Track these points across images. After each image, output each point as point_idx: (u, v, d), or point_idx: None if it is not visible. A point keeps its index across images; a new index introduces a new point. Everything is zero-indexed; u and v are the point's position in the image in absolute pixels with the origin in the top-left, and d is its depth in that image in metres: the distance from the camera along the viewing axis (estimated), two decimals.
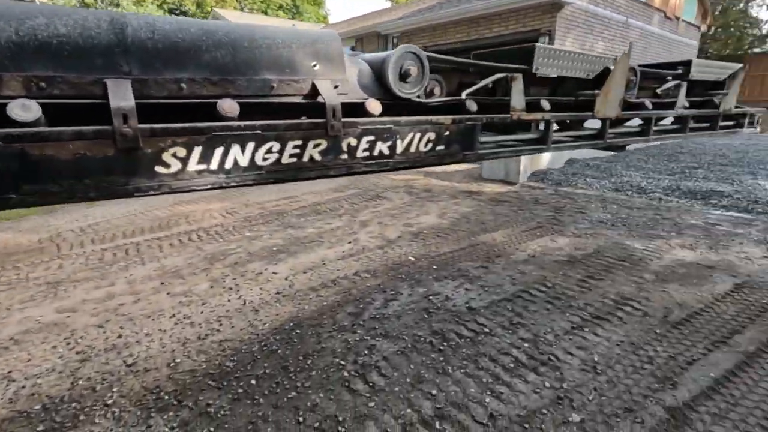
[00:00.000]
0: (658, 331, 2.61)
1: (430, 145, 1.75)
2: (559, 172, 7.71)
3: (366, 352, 2.49)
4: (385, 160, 1.64)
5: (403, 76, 1.67)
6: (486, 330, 2.68)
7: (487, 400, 2.09)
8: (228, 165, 1.30)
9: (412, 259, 3.84)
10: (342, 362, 2.40)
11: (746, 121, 3.57)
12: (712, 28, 25.13)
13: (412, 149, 1.71)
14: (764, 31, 31.74)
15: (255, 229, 4.79)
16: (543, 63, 2.09)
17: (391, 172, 1.74)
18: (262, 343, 2.60)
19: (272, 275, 3.58)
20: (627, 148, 3.25)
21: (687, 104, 3.03)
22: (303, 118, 1.53)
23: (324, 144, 1.46)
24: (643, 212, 5.07)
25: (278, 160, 1.39)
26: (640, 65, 3.12)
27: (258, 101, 1.40)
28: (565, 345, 2.50)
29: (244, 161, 1.32)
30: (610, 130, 2.68)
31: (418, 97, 1.78)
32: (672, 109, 2.89)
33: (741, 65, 3.32)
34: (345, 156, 1.53)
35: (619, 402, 2.04)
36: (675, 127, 3.06)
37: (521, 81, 1.98)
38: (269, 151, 1.36)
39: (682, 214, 4.97)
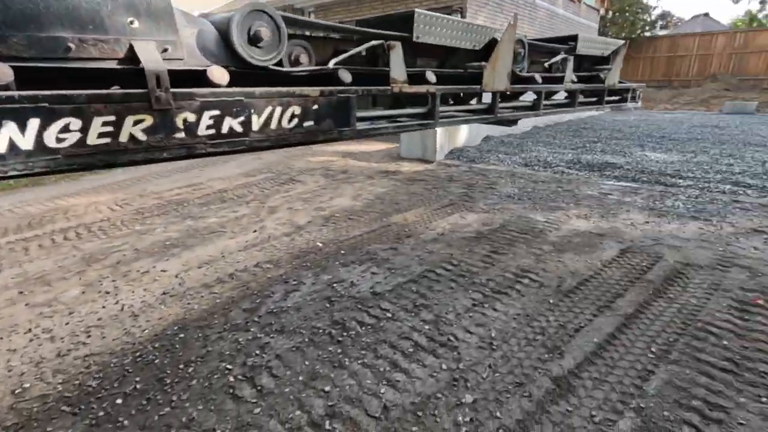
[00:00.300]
0: (551, 301, 2.69)
1: (296, 120, 1.54)
2: (475, 149, 7.90)
3: (257, 352, 2.28)
4: (238, 139, 1.41)
5: (254, 40, 1.43)
6: (389, 315, 2.59)
7: (383, 390, 1.99)
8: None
9: (320, 245, 3.65)
10: (229, 366, 2.17)
11: (629, 95, 3.79)
12: (610, 12, 27.27)
13: (273, 125, 1.49)
14: (653, 17, 35.10)
15: (148, 223, 4.29)
16: (424, 31, 1.96)
17: (249, 152, 1.51)
18: (137, 354, 2.28)
19: (160, 273, 3.19)
20: (534, 124, 3.28)
21: (575, 79, 3.11)
22: (116, 87, 1.25)
23: (149, 120, 1.19)
24: (547, 185, 5.32)
25: (82, 140, 1.10)
26: (533, 39, 3.14)
27: (49, 65, 1.10)
28: (465, 323, 2.48)
29: (25, 143, 1.02)
30: (502, 105, 2.66)
31: (278, 65, 1.56)
32: (561, 83, 2.94)
33: (623, 41, 3.49)
34: (182, 135, 1.27)
35: (511, 377, 2.05)
36: (565, 101, 3.14)
37: (400, 49, 1.82)
38: (66, 129, 1.07)
39: (581, 185, 5.29)
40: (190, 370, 2.15)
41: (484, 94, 2.40)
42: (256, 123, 1.44)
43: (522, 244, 3.55)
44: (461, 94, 2.55)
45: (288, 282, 3.03)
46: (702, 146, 8.44)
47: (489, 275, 3.05)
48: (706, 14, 35.21)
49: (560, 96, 3.19)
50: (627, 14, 26.48)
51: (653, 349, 2.20)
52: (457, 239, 3.68)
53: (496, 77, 2.31)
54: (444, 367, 2.13)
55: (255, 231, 3.98)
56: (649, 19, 32.54)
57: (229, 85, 1.38)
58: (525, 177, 5.79)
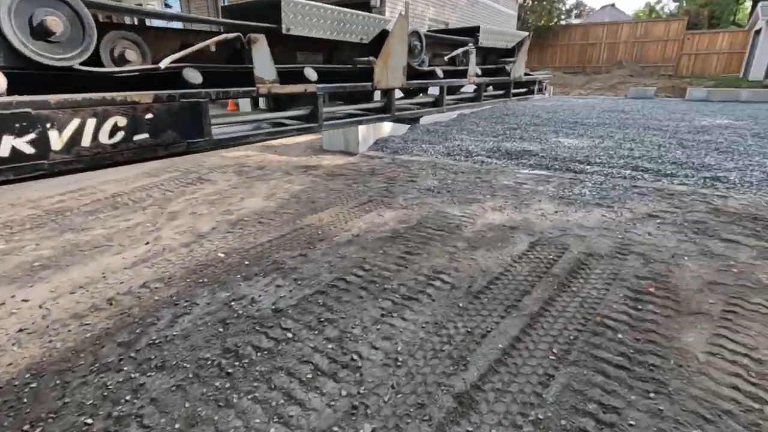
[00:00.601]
0: (461, 304, 2.62)
1: (121, 134, 1.23)
2: (400, 139, 7.80)
3: (129, 397, 1.95)
4: (30, 163, 1.08)
5: (40, 33, 1.10)
6: (289, 335, 2.36)
7: (272, 430, 1.77)
8: None
9: (222, 255, 3.31)
10: (89, 420, 1.83)
11: (536, 87, 3.82)
12: (529, 1, 28.47)
13: (86, 142, 1.17)
14: (568, 6, 37.20)
15: (15, 239, 3.65)
16: (295, 21, 1.70)
17: (53, 177, 1.18)
18: None
19: (20, 305, 2.69)
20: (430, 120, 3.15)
21: (479, 72, 3.03)
22: None
23: None
24: (467, 176, 5.34)
25: None
26: (433, 30, 2.99)
27: None
28: (371, 338, 2.33)
29: None
30: (400, 102, 2.49)
31: (91, 63, 1.24)
32: (465, 77, 2.84)
33: (527, 33, 3.48)
34: None
35: (414, 397, 1.92)
36: (471, 95, 3.05)
37: (265, 43, 1.56)
38: None
39: (498, 175, 5.37)
40: None
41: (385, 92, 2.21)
42: (58, 141, 1.13)
43: (437, 242, 3.48)
44: (354, 93, 2.33)
45: (178, 304, 2.68)
46: (609, 131, 9.04)
47: (401, 279, 2.92)
48: (613, 5, 38.03)
49: (470, 89, 3.09)
50: (544, 3, 27.78)
51: (554, 350, 2.19)
52: (372, 240, 3.52)
53: (390, 73, 2.12)
54: (344, 392, 1.96)
55: (148, 243, 3.53)
56: (564, 8, 34.50)
57: (10, 92, 1.05)
58: (446, 168, 5.77)
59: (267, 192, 4.84)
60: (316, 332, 2.39)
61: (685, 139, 7.89)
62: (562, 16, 30.80)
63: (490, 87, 3.47)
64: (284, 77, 1.68)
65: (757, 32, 20.99)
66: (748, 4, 32.14)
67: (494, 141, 7.79)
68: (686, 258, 3.11)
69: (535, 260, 3.14)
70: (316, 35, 1.79)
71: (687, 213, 3.97)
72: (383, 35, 2.12)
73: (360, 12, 1.99)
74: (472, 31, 2.91)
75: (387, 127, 7.99)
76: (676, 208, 4.12)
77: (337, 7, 1.83)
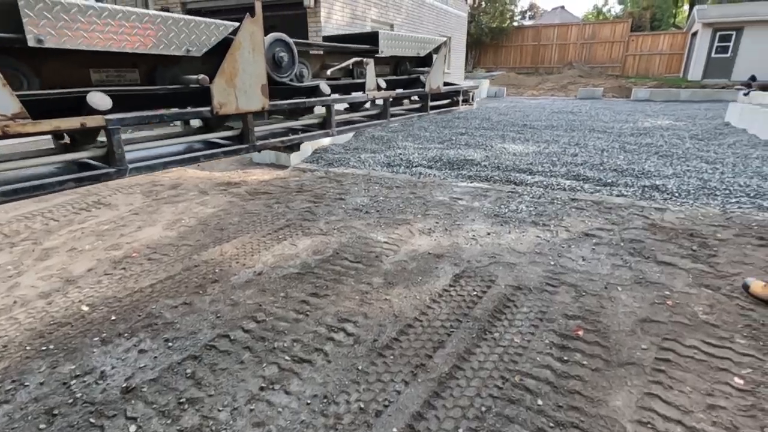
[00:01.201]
0: (361, 366, 2.18)
1: None
2: (341, 148, 7.33)
3: None
4: None
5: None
6: (131, 429, 1.84)
7: None
8: None
9: (86, 308, 2.72)
10: None
11: (460, 98, 3.45)
12: (483, 3, 28.71)
13: None
14: (521, 8, 37.91)
15: None
16: (50, 31, 1.20)
17: None
18: None
19: None
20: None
21: (383, 84, 2.61)
22: None
23: None
24: (401, 192, 4.94)
25: None
26: (327, 37, 2.55)
27: None
28: (239, 425, 1.85)
29: None
30: (269, 127, 2.02)
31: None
32: (363, 91, 2.40)
33: (444, 39, 3.10)
34: None
35: None
36: (374, 112, 2.62)
37: None
38: None
39: (434, 189, 5.01)
40: None
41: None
42: None
43: (351, 278, 3.03)
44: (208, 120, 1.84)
45: (1, 386, 2.09)
46: (556, 134, 8.94)
47: (297, 333, 2.45)
48: (563, 7, 39.18)
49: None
50: (497, 4, 28.09)
51: (460, 431, 1.79)
52: (276, 280, 3.03)
53: (239, 94, 1.65)
54: None
55: None
56: (516, 10, 35.15)
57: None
58: (381, 182, 5.35)
59: (171, 218, 4.24)
60: (170, 420, 1.88)
61: (628, 143, 7.87)
62: (516, 18, 31.34)
63: (407, 100, 3.06)
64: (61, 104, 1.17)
65: (694, 34, 22.03)
66: (687, 7, 33.92)
67: (438, 148, 7.47)
68: (620, 288, 2.82)
69: (457, 298, 2.76)
70: (92, 47, 1.29)
71: (624, 230, 3.73)
72: (227, 43, 1.64)
73: (184, 16, 1.50)
74: (372, 38, 2.49)
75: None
76: (613, 224, 3.88)
77: (133, 9, 1.33)
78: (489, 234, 3.71)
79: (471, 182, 5.26)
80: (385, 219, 4.11)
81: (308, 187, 5.18)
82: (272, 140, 1.90)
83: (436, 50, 3.03)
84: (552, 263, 3.18)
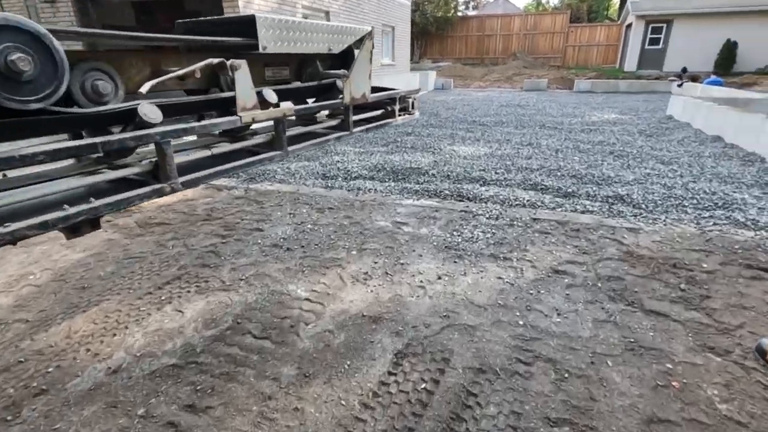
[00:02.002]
0: None
1: None
2: None
3: None
4: None
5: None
6: None
7: None
8: None
9: None
10: None
11: (396, 107, 2.63)
12: None
13: None
14: None
15: None
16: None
17: None
18: None
19: None
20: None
21: (272, 98, 1.73)
22: None
23: None
24: (334, 216, 4.06)
25: None
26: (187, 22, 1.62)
27: None
28: None
29: None
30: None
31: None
32: (230, 110, 1.51)
33: (368, 29, 2.25)
34: None
35: None
36: (260, 141, 1.73)
37: None
38: None
39: (375, 211, 4.18)
40: None
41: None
42: None
43: (251, 370, 2.14)
44: None
45: None
46: (507, 132, 8.42)
47: None
48: None
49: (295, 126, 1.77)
50: None
51: None
52: (139, 381, 2.08)
53: None
54: None
55: None
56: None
57: None
58: (311, 202, 4.44)
59: (15, 272, 3.11)
60: None
61: (581, 141, 7.47)
62: (460, 8, 31.05)
63: (326, 113, 2.19)
64: None
65: (629, 27, 22.71)
66: (617, 0, 35.30)
67: (382, 153, 6.65)
68: (610, 362, 2.15)
69: (399, 398, 1.95)
70: None
71: (598, 263, 3.11)
72: None
73: None
74: (245, 26, 1.58)
75: None
76: (585, 253, 3.25)
77: None
78: (440, 278, 2.95)
79: (418, 199, 4.48)
80: (310, 259, 3.23)
81: (219, 213, 4.17)
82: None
83: (359, 44, 2.18)
84: (521, 322, 2.46)
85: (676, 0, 23.03)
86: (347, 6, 10.12)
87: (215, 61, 1.47)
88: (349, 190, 4.78)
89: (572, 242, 3.43)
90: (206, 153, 1.51)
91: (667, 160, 6.03)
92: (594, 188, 4.78)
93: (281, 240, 3.56)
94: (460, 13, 30.28)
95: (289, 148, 1.76)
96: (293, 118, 1.92)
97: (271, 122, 1.67)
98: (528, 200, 4.36)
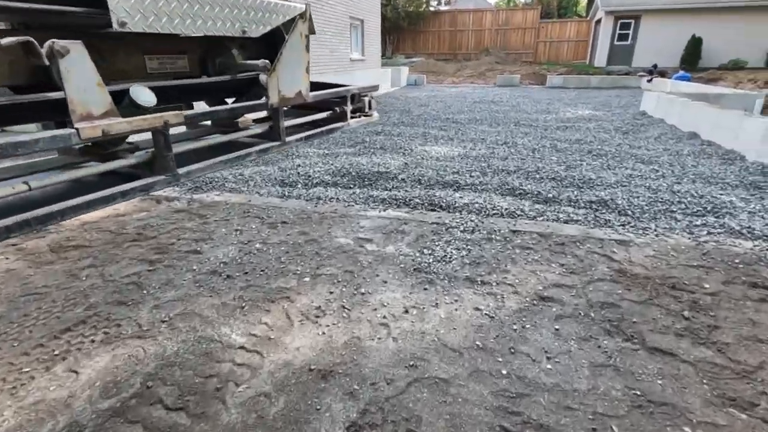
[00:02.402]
0: None
1: None
2: None
3: None
4: None
5: None
6: None
7: None
8: None
9: None
10: None
11: (347, 109, 2.12)
12: None
13: None
14: None
15: None
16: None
17: None
18: None
19: None
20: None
21: (149, 98, 1.20)
22: None
23: None
24: (288, 232, 3.53)
25: None
26: None
27: None
28: None
29: None
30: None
31: None
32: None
33: (303, 6, 1.74)
34: None
35: None
36: (132, 162, 1.20)
37: None
38: None
39: (335, 225, 3.67)
40: None
41: None
42: None
43: None
44: None
45: None
46: (481, 130, 8.03)
47: None
48: None
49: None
50: None
51: None
52: None
53: None
54: None
55: None
56: None
57: None
58: (263, 215, 3.89)
59: None
60: None
61: (557, 139, 7.16)
62: (432, 2, 30.66)
63: (252, 117, 1.68)
64: None
65: (598, 22, 22.87)
66: None
67: (348, 154, 6.12)
68: (615, 427, 1.72)
69: None
70: None
71: (588, 285, 2.70)
72: None
73: None
74: None
75: None
76: (572, 273, 2.84)
77: None
78: (407, 311, 2.47)
79: (385, 209, 3.99)
80: (253, 290, 2.69)
81: (153, 231, 3.56)
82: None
83: (288, 27, 1.65)
84: (504, 371, 2.01)
85: None
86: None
87: (11, 41, 0.92)
88: (308, 200, 4.25)
89: (557, 259, 3.02)
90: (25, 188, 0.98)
91: (648, 159, 5.76)
92: (575, 192, 4.42)
93: (221, 265, 3.00)
94: (432, 8, 29.88)
95: (184, 170, 1.24)
96: (188, 126, 1.41)
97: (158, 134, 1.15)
98: (506, 208, 3.94)
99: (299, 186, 4.72)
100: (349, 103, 2.14)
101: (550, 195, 4.33)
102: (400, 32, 28.56)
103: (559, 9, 32.90)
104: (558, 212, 3.87)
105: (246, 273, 2.89)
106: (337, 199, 4.25)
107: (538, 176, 4.99)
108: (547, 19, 28.15)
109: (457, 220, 3.67)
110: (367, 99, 2.33)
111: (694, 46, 19.49)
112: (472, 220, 3.66)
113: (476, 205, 4.01)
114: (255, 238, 3.41)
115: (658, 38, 20.43)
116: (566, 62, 25.96)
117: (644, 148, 6.43)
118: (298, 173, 5.11)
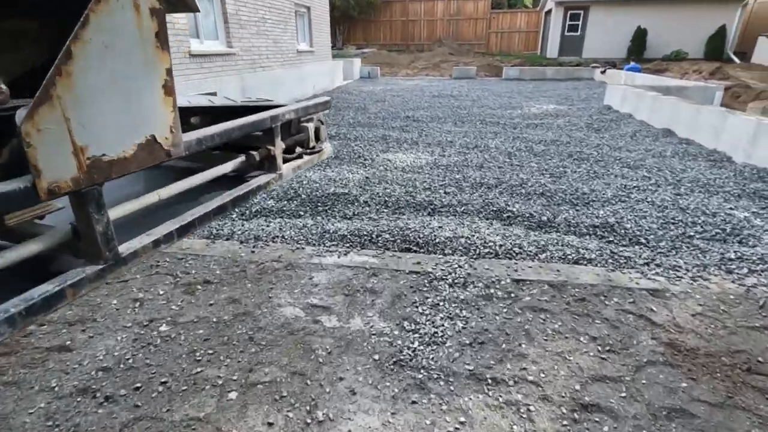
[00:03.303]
0: None
1: None
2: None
3: None
4: None
5: None
6: None
7: None
8: None
9: None
10: None
11: (277, 148, 1.16)
12: None
13: None
14: None
15: None
16: None
17: None
18: None
19: None
20: None
21: None
22: None
23: None
24: (210, 299, 2.50)
25: None
26: None
27: None
28: None
29: None
30: None
31: None
32: None
33: None
34: None
35: None
36: None
37: None
38: None
39: (279, 284, 2.68)
40: None
41: None
42: None
43: None
44: None
45: None
46: (446, 131, 7.24)
47: None
48: None
49: None
50: None
51: None
52: None
53: None
54: None
55: None
56: None
57: None
58: (178, 269, 2.82)
59: None
60: None
61: (531, 140, 6.50)
62: None
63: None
64: None
65: (548, 13, 22.86)
66: None
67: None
68: None
69: None
70: None
71: (638, 375, 1.93)
72: None
73: None
74: None
75: None
76: (611, 352, 2.07)
77: None
78: None
79: (346, 252, 3.04)
80: (141, 429, 1.68)
81: None
82: None
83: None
84: None
85: None
86: (245, 8, 8.20)
87: None
88: (243, 241, 3.22)
89: (585, 328, 2.23)
90: None
91: (633, 164, 5.20)
92: (572, 212, 3.70)
93: (99, 374, 1.95)
94: None
95: None
96: None
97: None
98: (499, 242, 3.13)
99: (233, 217, 3.67)
100: (278, 138, 1.19)
101: (544, 218, 3.59)
102: (351, 22, 27.34)
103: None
104: (561, 244, 3.12)
105: (137, 389, 1.86)
106: (282, 237, 3.26)
107: (523, 191, 4.24)
108: (498, 10, 27.97)
109: (442, 267, 2.81)
110: (312, 125, 1.39)
111: (640, 37, 19.87)
112: (460, 266, 2.81)
113: (462, 241, 3.16)
114: (161, 315, 2.36)
115: (606, 29, 20.66)
116: (518, 53, 25.92)
117: (625, 149, 5.90)
118: None
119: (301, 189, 4.24)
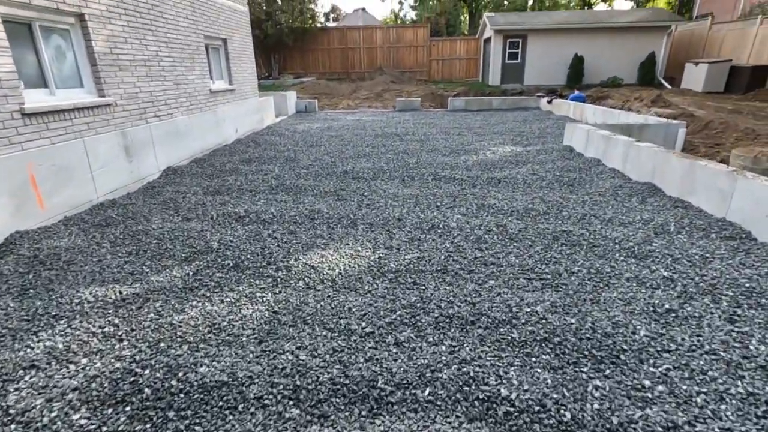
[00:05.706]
0: None
1: None
2: None
3: None
4: None
5: None
6: None
7: None
8: None
9: None
10: None
11: None
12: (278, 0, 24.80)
13: None
14: (321, 7, 35.35)
15: None
16: None
17: None
18: None
19: None
20: None
21: None
22: None
23: None
24: None
25: None
26: None
27: None
28: None
29: None
30: None
31: None
32: None
33: None
34: None
35: None
36: None
37: None
38: None
39: None
40: None
41: None
42: None
43: None
44: None
45: None
46: (392, 194, 5.71)
47: None
48: (363, 9, 38.31)
49: None
50: (295, 2, 24.59)
51: None
52: None
53: None
54: None
55: None
56: (318, 9, 32.45)
57: None
58: None
59: None
60: None
61: (498, 209, 5.13)
62: (319, 19, 28.41)
63: None
64: None
65: (487, 41, 22.69)
66: (467, 16, 36.73)
67: (164, 295, 3.30)
68: None
69: None
70: None
71: None
72: None
73: None
74: None
75: None
76: None
77: None
78: None
79: None
80: None
81: None
82: None
83: None
84: None
85: (526, 15, 23.79)
86: (129, 7, 6.37)
87: None
88: None
89: None
90: None
91: (639, 251, 3.93)
92: (606, 389, 2.24)
93: None
94: (319, 24, 27.67)
95: None
96: None
97: None
98: None
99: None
100: None
101: (567, 416, 2.08)
102: (287, 50, 25.84)
103: (447, 27, 33.06)
104: None
105: None
106: None
107: (516, 335, 2.74)
108: (437, 38, 27.74)
109: None
110: None
111: (578, 64, 20.00)
112: None
113: None
114: None
115: (544, 57, 20.68)
116: (460, 80, 25.60)
117: (617, 222, 4.67)
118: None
119: (138, 368, 2.44)
